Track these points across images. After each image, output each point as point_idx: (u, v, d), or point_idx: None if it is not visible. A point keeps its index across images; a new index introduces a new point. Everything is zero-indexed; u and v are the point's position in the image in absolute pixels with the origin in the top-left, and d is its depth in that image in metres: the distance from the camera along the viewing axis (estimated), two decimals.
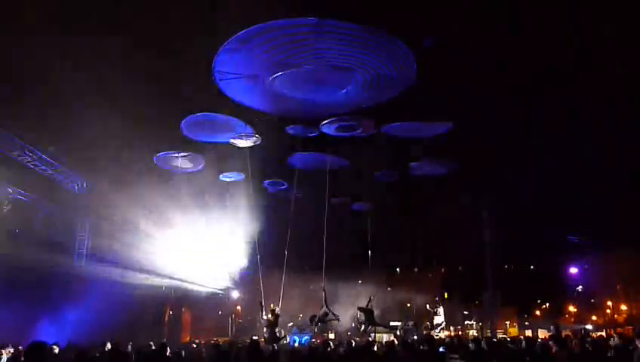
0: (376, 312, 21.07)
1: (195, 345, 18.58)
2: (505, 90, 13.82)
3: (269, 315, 18.08)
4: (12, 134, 15.72)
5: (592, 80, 13.31)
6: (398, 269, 29.98)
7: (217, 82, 11.68)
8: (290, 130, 16.34)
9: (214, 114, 14.64)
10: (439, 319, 23.67)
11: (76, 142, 16.42)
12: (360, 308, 20.47)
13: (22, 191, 17.88)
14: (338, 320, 20.25)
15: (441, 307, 24.18)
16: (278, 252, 23.04)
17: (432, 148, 17.15)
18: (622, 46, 12.23)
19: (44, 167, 17.69)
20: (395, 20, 10.19)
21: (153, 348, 11.88)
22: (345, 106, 13.65)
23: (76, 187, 19.96)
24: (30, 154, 16.74)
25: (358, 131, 15.62)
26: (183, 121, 14.87)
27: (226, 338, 25.00)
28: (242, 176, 20.06)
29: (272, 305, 18.74)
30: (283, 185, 21.93)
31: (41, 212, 18.82)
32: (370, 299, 20.32)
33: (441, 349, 10.13)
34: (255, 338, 17.02)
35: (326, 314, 19.80)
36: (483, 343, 10.79)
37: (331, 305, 20.52)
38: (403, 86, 12.02)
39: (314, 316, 19.82)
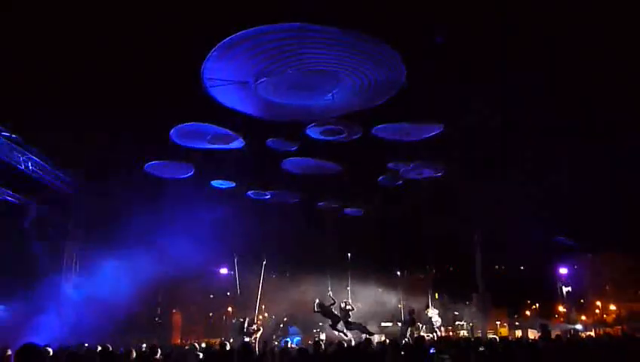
0: (355, 311, 21.55)
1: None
2: (494, 93, 13.87)
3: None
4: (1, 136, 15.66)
5: (588, 80, 13.38)
6: (388, 271, 29.98)
7: (208, 89, 11.64)
8: (271, 143, 16.41)
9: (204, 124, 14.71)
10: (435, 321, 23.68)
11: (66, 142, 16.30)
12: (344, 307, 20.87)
13: (10, 192, 17.81)
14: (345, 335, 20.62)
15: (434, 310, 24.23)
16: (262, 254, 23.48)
17: (421, 151, 17.17)
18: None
19: (34, 168, 17.59)
20: (383, 23, 10.20)
21: (144, 349, 11.89)
22: (334, 111, 13.59)
23: (67, 188, 19.84)
24: (19, 155, 16.66)
25: (343, 136, 15.65)
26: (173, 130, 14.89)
27: (217, 339, 24.97)
28: (233, 183, 20.18)
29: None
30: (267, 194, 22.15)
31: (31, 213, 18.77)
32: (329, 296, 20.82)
33: (432, 350, 10.20)
34: (247, 339, 17.18)
35: (335, 318, 20.32)
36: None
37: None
38: (393, 90, 11.99)
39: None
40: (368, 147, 16.75)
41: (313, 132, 15.53)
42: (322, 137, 15.82)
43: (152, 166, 17.80)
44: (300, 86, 11.63)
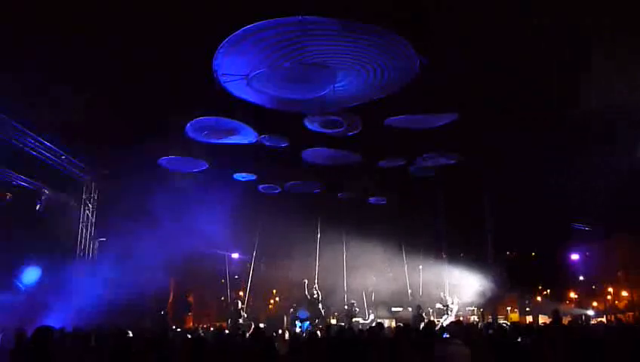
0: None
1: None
2: (507, 77, 13.72)
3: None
4: (13, 120, 15.74)
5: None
6: (401, 254, 29.95)
7: (223, 84, 11.62)
8: (264, 140, 16.69)
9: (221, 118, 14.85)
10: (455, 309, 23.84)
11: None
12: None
13: (25, 178, 17.99)
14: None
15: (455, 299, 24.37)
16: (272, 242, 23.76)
17: (434, 138, 17.04)
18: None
19: (47, 154, 17.72)
20: (386, 14, 10.07)
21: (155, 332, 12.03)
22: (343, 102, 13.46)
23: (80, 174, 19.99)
24: (32, 140, 16.77)
25: (343, 128, 15.59)
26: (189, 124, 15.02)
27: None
28: (254, 176, 20.63)
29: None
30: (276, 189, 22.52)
31: (44, 200, 18.94)
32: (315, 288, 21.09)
33: (445, 335, 10.22)
34: (262, 325, 17.35)
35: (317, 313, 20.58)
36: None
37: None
38: (406, 80, 11.83)
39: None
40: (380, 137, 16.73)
41: (312, 124, 15.50)
42: (322, 129, 15.82)
43: (167, 161, 18.08)
44: (301, 79, 11.56)
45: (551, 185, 20.72)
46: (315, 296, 21.12)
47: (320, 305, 20.93)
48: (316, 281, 22.13)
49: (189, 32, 11.05)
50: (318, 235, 24.67)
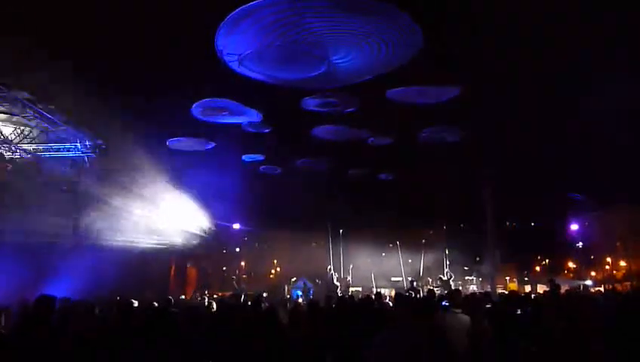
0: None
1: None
2: (507, 50, 13.58)
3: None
4: (14, 92, 15.62)
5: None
6: (400, 226, 30.14)
7: (229, 64, 11.58)
8: (249, 127, 17.10)
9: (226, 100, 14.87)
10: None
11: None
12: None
13: (25, 149, 17.98)
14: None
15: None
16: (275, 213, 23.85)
17: (436, 112, 16.94)
18: None
19: (47, 125, 17.63)
20: None
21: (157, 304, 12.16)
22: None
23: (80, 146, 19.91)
24: (32, 112, 16.66)
25: (338, 108, 15.56)
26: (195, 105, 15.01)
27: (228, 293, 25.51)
28: (263, 156, 20.98)
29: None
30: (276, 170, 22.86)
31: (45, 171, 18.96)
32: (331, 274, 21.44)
33: (444, 303, 10.32)
34: (265, 294, 17.63)
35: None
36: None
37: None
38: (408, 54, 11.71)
39: None
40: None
41: (310, 104, 15.46)
42: (320, 109, 15.80)
43: (174, 142, 18.16)
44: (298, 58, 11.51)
45: (550, 156, 20.72)
46: (335, 283, 21.72)
47: (338, 290, 21.42)
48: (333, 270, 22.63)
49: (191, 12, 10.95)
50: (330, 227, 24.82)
